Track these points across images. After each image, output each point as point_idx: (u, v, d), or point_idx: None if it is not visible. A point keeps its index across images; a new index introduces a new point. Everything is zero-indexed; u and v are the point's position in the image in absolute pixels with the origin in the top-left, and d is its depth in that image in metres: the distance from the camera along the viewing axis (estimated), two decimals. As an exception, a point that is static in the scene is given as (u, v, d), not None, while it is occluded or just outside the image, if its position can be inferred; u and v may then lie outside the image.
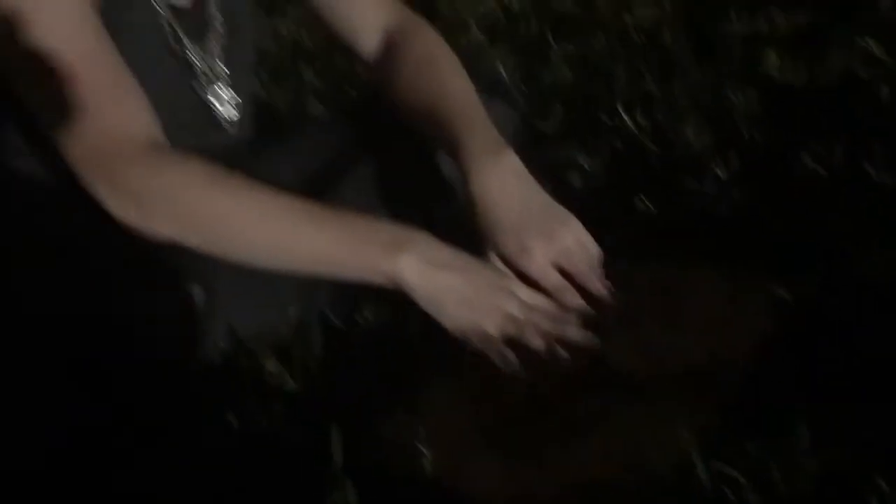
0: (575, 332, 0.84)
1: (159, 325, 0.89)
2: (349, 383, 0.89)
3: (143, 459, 0.80)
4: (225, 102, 1.09)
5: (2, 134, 1.00)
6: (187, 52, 1.05)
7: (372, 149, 1.11)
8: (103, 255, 0.91)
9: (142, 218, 0.86)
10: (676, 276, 0.95)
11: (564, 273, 0.89)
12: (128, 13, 0.99)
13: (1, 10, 0.88)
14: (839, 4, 1.66)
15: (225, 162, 1.09)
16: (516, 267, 0.89)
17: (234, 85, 1.10)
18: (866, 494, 0.59)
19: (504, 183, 0.90)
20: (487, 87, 1.17)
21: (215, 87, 1.08)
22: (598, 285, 0.89)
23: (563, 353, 0.82)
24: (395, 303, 0.97)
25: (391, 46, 1.10)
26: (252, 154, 1.17)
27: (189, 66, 1.05)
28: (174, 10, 1.04)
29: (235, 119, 1.10)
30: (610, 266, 0.99)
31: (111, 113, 0.88)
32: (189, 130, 1.06)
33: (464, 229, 0.92)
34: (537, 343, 0.82)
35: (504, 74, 1.70)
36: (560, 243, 0.88)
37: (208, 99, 1.08)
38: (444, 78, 1.03)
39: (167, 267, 0.89)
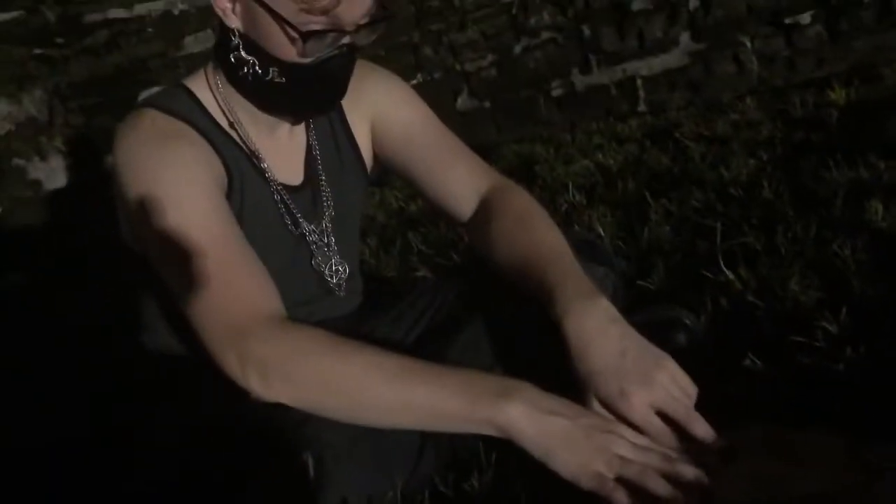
0: (686, 470, 0.84)
1: (274, 492, 0.92)
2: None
3: None
4: (335, 272, 1.17)
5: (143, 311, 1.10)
6: (301, 226, 1.14)
7: (477, 308, 1.14)
8: (230, 418, 0.96)
9: (265, 386, 0.92)
10: (793, 439, 0.92)
11: (664, 416, 0.89)
12: (248, 195, 1.10)
13: (144, 197, 1.00)
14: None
15: (339, 327, 1.16)
16: (616, 411, 0.90)
17: (343, 254, 1.19)
18: None
19: (599, 327, 0.92)
20: (586, 248, 1.21)
21: (326, 257, 1.17)
22: (698, 426, 0.89)
23: (675, 491, 0.82)
24: (501, 470, 0.98)
25: (487, 208, 1.16)
26: (362, 318, 1.24)
27: (303, 239, 1.15)
28: (287, 188, 1.15)
29: (344, 286, 1.19)
30: (721, 429, 0.97)
31: (239, 290, 0.97)
32: (304, 299, 1.14)
33: (567, 379, 0.93)
34: (652, 483, 0.82)
35: (603, 233, 1.74)
36: (658, 387, 0.89)
37: (321, 270, 1.17)
38: (536, 232, 1.08)
39: (283, 434, 0.93)
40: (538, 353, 1.07)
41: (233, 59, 1.05)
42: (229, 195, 1.08)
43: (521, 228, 1.09)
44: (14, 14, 2.64)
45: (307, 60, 1.01)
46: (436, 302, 1.23)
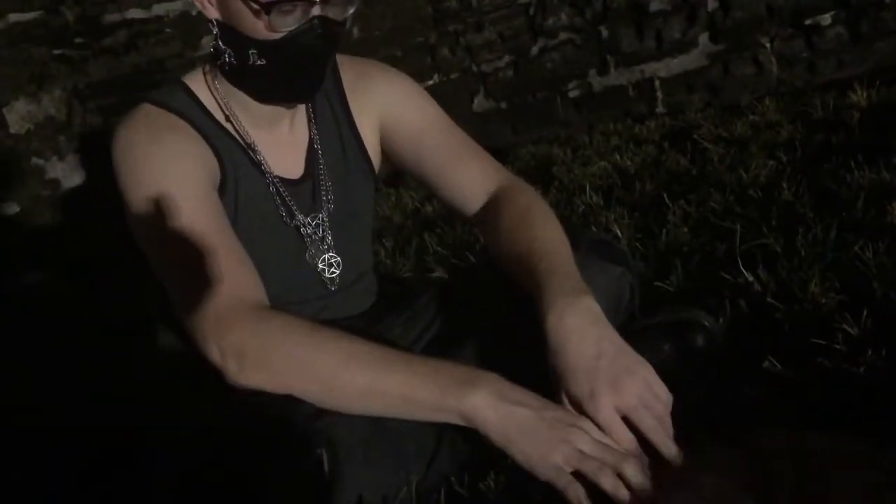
0: (635, 476, 0.85)
1: (287, 488, 0.92)
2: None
3: None
4: (329, 265, 1.17)
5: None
6: (296, 218, 1.15)
7: (491, 314, 1.14)
8: (243, 414, 0.97)
9: (241, 373, 0.94)
10: (812, 441, 0.90)
11: (631, 423, 0.89)
12: (243, 187, 1.12)
13: (134, 191, 1.03)
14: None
15: (352, 326, 1.16)
16: (584, 411, 0.90)
17: (340, 249, 1.19)
18: None
19: (578, 326, 0.92)
20: (603, 249, 1.21)
21: (320, 251, 1.18)
22: (657, 436, 0.89)
23: (626, 493, 0.83)
24: (517, 471, 0.97)
25: (492, 206, 1.16)
26: (376, 317, 1.24)
27: (297, 232, 1.16)
28: (285, 181, 1.15)
29: (338, 281, 1.19)
30: (740, 432, 0.96)
31: (221, 281, 0.98)
32: (302, 293, 1.15)
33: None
34: (606, 480, 0.84)
35: (620, 235, 1.72)
36: (627, 394, 0.89)
37: (314, 263, 1.17)
38: (535, 229, 1.08)
39: (297, 430, 0.93)
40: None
41: (212, 49, 1.09)
42: (223, 187, 1.10)
43: (521, 225, 1.09)
44: (33, 14, 2.65)
45: (278, 35, 1.02)
46: (451, 305, 1.22)
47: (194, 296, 0.98)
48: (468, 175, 1.19)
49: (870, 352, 1.04)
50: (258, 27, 1.02)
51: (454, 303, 1.22)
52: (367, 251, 1.30)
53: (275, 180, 1.15)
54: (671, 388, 1.06)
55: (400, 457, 0.96)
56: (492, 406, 0.88)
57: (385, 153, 1.25)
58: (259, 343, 0.95)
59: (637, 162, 2.34)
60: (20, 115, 2.67)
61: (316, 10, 1.02)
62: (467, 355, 1.11)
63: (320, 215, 1.18)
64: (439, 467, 0.98)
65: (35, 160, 2.70)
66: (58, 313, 2.19)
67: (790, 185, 1.75)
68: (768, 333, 1.21)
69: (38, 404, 1.66)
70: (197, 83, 1.14)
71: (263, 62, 1.05)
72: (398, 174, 2.60)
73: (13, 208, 2.68)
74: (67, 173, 2.74)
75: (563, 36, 3.08)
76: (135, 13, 2.78)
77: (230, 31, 1.06)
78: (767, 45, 2.92)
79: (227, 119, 1.13)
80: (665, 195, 1.91)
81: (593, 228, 1.82)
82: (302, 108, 1.19)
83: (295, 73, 1.07)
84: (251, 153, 1.14)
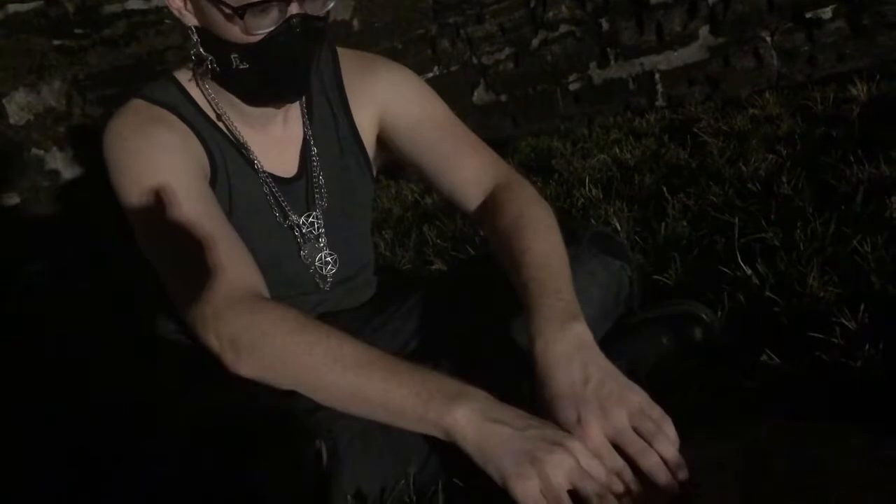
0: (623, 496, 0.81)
1: (284, 479, 0.92)
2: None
3: None
4: (324, 263, 1.17)
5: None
6: (290, 218, 1.15)
7: (481, 310, 1.14)
8: (243, 404, 0.97)
9: (236, 362, 0.95)
10: (810, 434, 0.91)
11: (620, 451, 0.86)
12: (236, 186, 1.12)
13: (124, 183, 1.03)
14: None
15: (351, 318, 1.16)
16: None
17: (335, 247, 1.19)
18: None
19: (565, 353, 0.90)
20: (603, 242, 1.21)
21: (315, 250, 1.17)
22: (652, 462, 0.84)
23: None
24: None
25: (490, 205, 1.15)
26: (375, 310, 1.24)
27: (291, 231, 1.16)
28: (278, 181, 1.15)
29: (332, 278, 1.19)
30: (737, 425, 0.96)
31: (221, 270, 0.98)
32: (292, 289, 1.15)
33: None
34: (595, 501, 0.80)
35: (619, 228, 1.73)
36: (615, 419, 0.86)
37: (308, 262, 1.17)
38: (527, 240, 1.05)
39: (295, 422, 0.94)
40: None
41: (193, 57, 1.08)
42: (214, 183, 1.10)
43: (513, 232, 1.07)
44: (33, 5, 2.65)
45: (257, 38, 1.01)
46: (450, 298, 1.22)
47: (192, 286, 0.98)
48: (467, 170, 1.18)
49: (867, 346, 1.04)
50: (235, 31, 1.01)
51: (453, 296, 1.22)
52: (365, 246, 1.29)
53: (268, 180, 1.14)
54: (668, 381, 1.07)
55: (398, 449, 0.96)
56: (473, 423, 0.85)
57: (384, 146, 1.24)
58: (252, 336, 0.95)
59: (637, 155, 2.34)
60: (20, 105, 2.67)
61: (293, 9, 1.00)
62: (465, 352, 1.11)
63: (315, 213, 1.17)
64: (437, 459, 0.98)
65: (35, 151, 2.70)
66: (55, 302, 2.20)
67: (789, 178, 1.75)
68: (766, 327, 1.21)
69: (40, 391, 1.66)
70: (188, 79, 1.14)
71: (246, 66, 1.04)
72: (398, 166, 2.60)
73: (13, 199, 2.69)
74: (67, 164, 2.74)
75: (563, 28, 3.08)
76: (134, 4, 2.78)
77: (210, 37, 1.04)
78: (768, 38, 2.92)
79: (219, 118, 1.13)
80: (664, 188, 1.91)
81: (592, 221, 1.82)
82: (296, 104, 1.18)
83: (279, 74, 1.06)
84: (244, 152, 1.13)
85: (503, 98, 3.14)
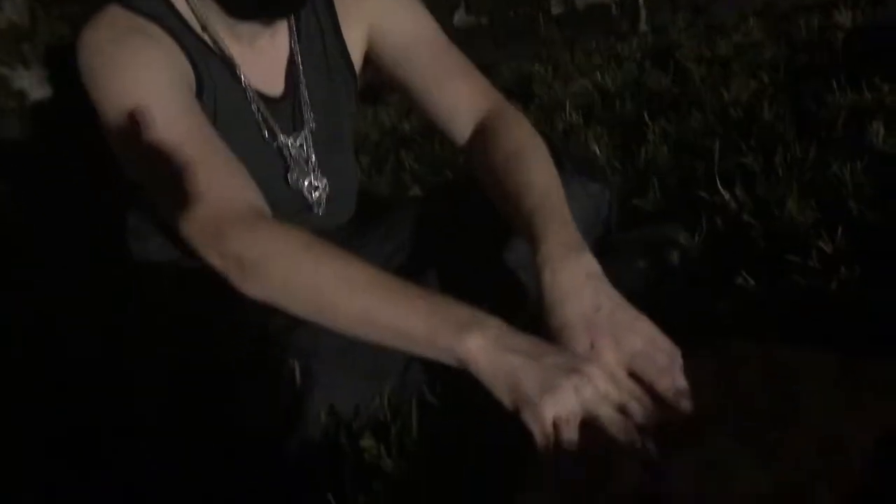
0: (640, 417, 0.81)
1: (259, 397, 0.92)
2: (445, 464, 0.89)
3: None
4: (314, 188, 1.14)
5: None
6: (278, 140, 1.11)
7: (462, 233, 1.12)
8: (212, 323, 0.96)
9: (242, 280, 0.90)
10: (784, 356, 0.91)
11: (635, 376, 0.85)
12: (222, 103, 1.06)
13: (105, 100, 0.97)
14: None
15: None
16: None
17: (324, 170, 1.15)
18: None
19: (575, 281, 0.89)
20: (582, 166, 1.19)
21: (304, 172, 1.14)
22: (668, 385, 0.84)
23: (632, 433, 0.79)
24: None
25: (483, 137, 1.12)
26: (352, 233, 1.22)
27: (280, 153, 1.11)
28: (265, 99, 1.10)
29: (324, 204, 1.15)
30: (712, 347, 0.97)
31: (219, 186, 0.94)
32: (279, 211, 1.11)
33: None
34: (613, 428, 0.79)
35: (599, 153, 1.71)
36: (629, 347, 0.86)
37: (298, 185, 1.13)
38: (528, 173, 1.03)
39: (270, 340, 0.93)
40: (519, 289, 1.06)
41: None
42: (199, 98, 1.04)
43: (513, 165, 1.05)
44: (-6, -85, 2.54)
45: None
46: (428, 222, 1.21)
47: (190, 204, 0.93)
48: (458, 96, 1.13)
49: (843, 269, 1.05)
50: None
51: (431, 220, 1.21)
52: (351, 170, 1.26)
53: (255, 97, 1.09)
54: (645, 306, 1.07)
55: (372, 367, 0.96)
56: (486, 352, 0.83)
57: (372, 65, 1.19)
58: (257, 255, 0.91)
59: (618, 81, 2.31)
60: (-19, 21, 2.58)
61: None
62: (442, 275, 1.11)
63: (303, 134, 1.13)
64: (412, 377, 0.98)
65: (0, 70, 2.62)
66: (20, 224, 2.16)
67: (771, 105, 1.73)
68: (743, 251, 1.21)
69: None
70: None
71: None
72: (375, 90, 2.55)
73: (-22, 120, 2.62)
74: (34, 84, 2.66)
75: (546, -50, 3.00)
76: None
77: None
78: (754, -38, 2.86)
79: (204, 29, 1.06)
80: (645, 114, 1.89)
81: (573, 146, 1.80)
82: (284, 21, 1.12)
83: None
84: (230, 66, 1.07)
85: (484, 21, 3.08)
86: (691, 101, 1.94)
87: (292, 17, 1.13)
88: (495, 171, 1.06)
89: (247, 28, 1.08)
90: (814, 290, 1.04)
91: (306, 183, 1.13)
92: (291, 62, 1.13)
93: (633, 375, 0.85)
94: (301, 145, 1.13)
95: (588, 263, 0.91)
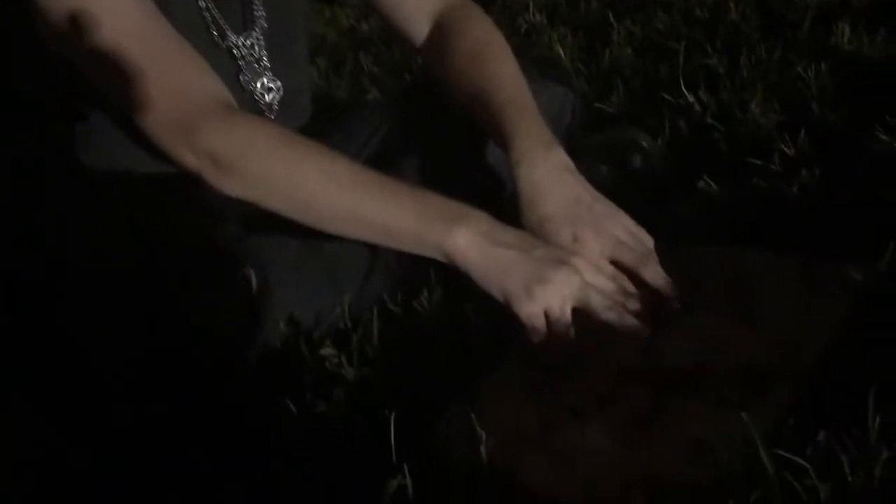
0: (635, 305, 0.83)
1: (214, 307, 0.90)
2: (407, 370, 0.88)
3: (200, 444, 0.81)
4: (267, 90, 1.09)
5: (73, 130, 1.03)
6: (228, 40, 1.05)
7: (424, 134, 1.10)
8: (158, 234, 0.93)
9: (217, 178, 0.88)
10: (744, 259, 0.92)
11: (618, 265, 0.87)
12: (166, 2, 1.00)
13: (63, 3, 0.90)
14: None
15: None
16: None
17: (277, 71, 1.10)
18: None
19: (552, 175, 0.90)
20: (545, 68, 1.16)
21: (257, 74, 1.08)
22: (653, 275, 0.87)
23: (631, 321, 0.81)
24: (451, 289, 0.97)
25: (442, 35, 1.08)
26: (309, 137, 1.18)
27: (230, 53, 1.06)
28: None
29: (276, 106, 1.11)
30: (673, 250, 0.97)
31: (181, 76, 0.90)
32: None
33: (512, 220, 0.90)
34: (608, 313, 0.82)
35: (563, 55, 1.68)
36: (611, 237, 0.87)
37: (250, 88, 1.08)
38: (493, 70, 1.01)
39: (223, 250, 0.90)
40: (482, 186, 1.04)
41: None
42: None
43: (476, 62, 1.02)
44: None
45: None
46: (386, 124, 1.17)
47: (156, 102, 0.88)
48: None
49: (804, 171, 1.04)
50: None
51: (390, 123, 1.18)
52: (305, 71, 1.21)
53: None
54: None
55: (332, 275, 0.94)
56: (475, 245, 0.83)
57: None
58: (233, 151, 0.87)
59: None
60: None
61: None
62: (404, 178, 1.08)
63: (254, 34, 1.07)
64: (373, 286, 0.97)
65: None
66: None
67: (737, 5, 1.70)
68: (707, 154, 1.20)
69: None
70: None
71: None
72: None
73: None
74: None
75: None
76: None
77: None
78: None
79: None
80: (610, 14, 1.85)
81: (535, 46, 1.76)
82: None
83: None
84: None
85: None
86: (657, 2, 1.90)
87: None
88: (458, 71, 1.03)
89: None
90: (775, 192, 1.04)
91: (259, 85, 1.08)
92: None
93: (616, 264, 0.87)
94: (252, 45, 1.07)
95: (562, 157, 0.92)
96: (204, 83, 0.92)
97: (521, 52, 1.16)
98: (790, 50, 1.43)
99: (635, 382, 0.77)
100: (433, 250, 0.85)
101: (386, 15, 1.13)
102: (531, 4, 2.08)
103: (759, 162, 1.10)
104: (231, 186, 0.88)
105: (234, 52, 1.06)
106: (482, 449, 0.71)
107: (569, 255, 0.84)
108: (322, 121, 1.22)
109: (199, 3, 1.02)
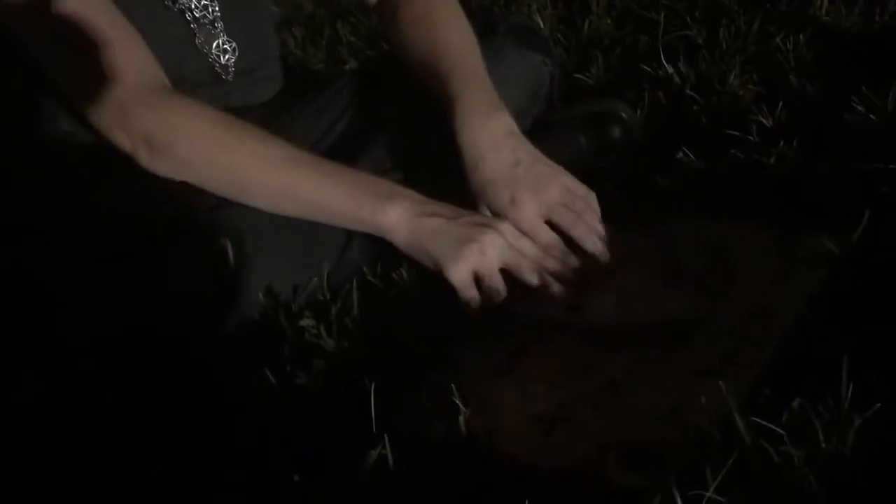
0: (554, 266, 0.88)
1: (191, 278, 0.89)
2: (386, 341, 0.89)
3: (177, 417, 0.81)
4: (223, 51, 1.08)
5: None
6: (180, 3, 1.04)
7: (395, 105, 1.09)
8: (133, 208, 0.92)
9: (152, 161, 0.90)
10: (721, 229, 0.92)
11: (555, 227, 0.91)
12: None
13: None
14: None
15: (256, 115, 1.09)
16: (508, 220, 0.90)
17: (233, 32, 1.09)
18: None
19: (494, 139, 0.92)
20: (523, 36, 1.15)
21: (212, 36, 1.07)
22: (583, 232, 0.90)
23: (549, 281, 0.86)
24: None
25: (392, 1, 1.08)
26: (284, 106, 1.17)
27: (182, 16, 1.05)
28: None
29: (232, 67, 1.10)
30: (652, 220, 0.97)
31: (116, 62, 0.90)
32: (188, 82, 1.05)
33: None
34: (527, 273, 0.86)
35: (542, 25, 1.66)
36: (548, 197, 0.90)
37: (208, 50, 1.07)
38: (439, 35, 1.02)
39: (199, 220, 0.90)
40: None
41: None
42: None
43: (421, 27, 1.03)
44: None
45: None
46: (363, 95, 1.16)
47: (93, 84, 0.90)
48: None
49: (782, 142, 1.05)
50: None
51: (366, 93, 1.16)
52: (267, 35, 1.19)
53: None
54: (586, 180, 1.06)
55: (310, 247, 0.94)
56: (405, 219, 0.88)
57: None
58: (168, 133, 0.90)
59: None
60: None
61: None
62: (378, 150, 1.08)
63: None
64: (351, 257, 0.97)
65: None
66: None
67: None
68: (685, 126, 1.20)
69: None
70: None
71: None
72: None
73: None
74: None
75: None
76: None
77: None
78: None
79: None
80: (590, -16, 1.83)
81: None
82: None
83: None
84: None
85: None
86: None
87: None
88: (407, 37, 1.05)
89: None
90: (753, 163, 1.04)
91: (214, 46, 1.07)
92: None
93: (553, 225, 0.91)
94: (206, 6, 1.05)
95: (506, 121, 0.94)
96: (141, 65, 0.93)
97: (496, 19, 1.16)
98: (769, 21, 1.43)
99: (614, 344, 0.78)
100: (367, 225, 0.90)
101: None
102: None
103: (737, 133, 1.11)
104: (165, 168, 0.91)
105: (188, 15, 1.05)
106: (461, 419, 0.71)
107: (494, 220, 0.89)
108: (297, 92, 1.21)
109: None
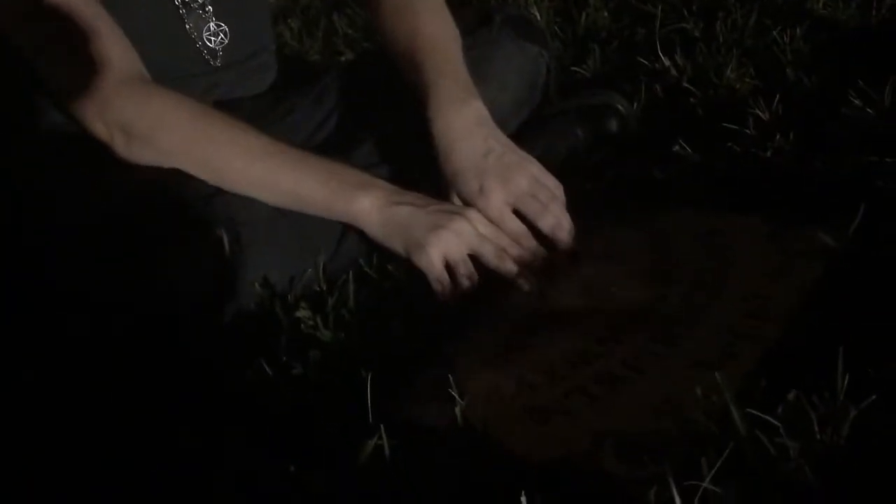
0: (519, 255, 0.89)
1: (187, 269, 0.89)
2: (382, 332, 0.88)
3: (173, 407, 0.81)
4: (217, 36, 1.08)
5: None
6: None
7: (390, 96, 1.09)
8: (127, 198, 0.92)
9: (127, 147, 0.92)
10: (717, 222, 0.92)
11: (523, 217, 0.92)
12: None
13: None
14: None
15: (252, 106, 1.08)
16: (476, 208, 0.92)
17: (223, 16, 1.09)
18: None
19: (465, 128, 0.93)
20: (519, 27, 1.15)
21: (202, 20, 1.07)
22: (549, 222, 0.91)
23: (512, 266, 0.88)
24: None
25: None
26: (280, 97, 1.16)
27: (173, 2, 1.05)
28: None
29: (222, 52, 1.09)
30: (648, 212, 0.97)
31: (95, 53, 0.91)
32: (177, 69, 1.05)
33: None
34: (491, 259, 0.88)
35: (539, 17, 1.66)
36: (516, 187, 0.91)
37: (198, 36, 1.07)
38: (415, 25, 1.02)
39: (193, 211, 0.90)
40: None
41: None
42: None
43: (404, 13, 1.04)
44: None
45: None
46: (357, 87, 1.16)
47: (72, 75, 0.92)
48: None
49: (778, 136, 1.05)
50: None
51: (361, 85, 1.16)
52: (260, 23, 1.19)
53: None
54: (581, 171, 1.06)
55: (306, 238, 0.94)
56: (377, 208, 0.90)
57: None
58: (146, 124, 0.91)
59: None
60: None
61: None
62: (371, 143, 1.07)
63: None
64: (347, 248, 0.97)
65: None
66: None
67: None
68: (682, 119, 1.20)
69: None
70: None
71: None
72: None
73: None
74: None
75: None
76: None
77: None
78: None
79: None
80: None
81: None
82: None
83: None
84: None
85: None
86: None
87: None
88: (386, 28, 1.05)
89: None
90: (749, 156, 1.04)
91: (204, 30, 1.06)
92: None
93: (520, 215, 0.92)
94: None
95: (478, 110, 0.95)
96: (120, 58, 0.93)
97: (494, 11, 1.15)
98: (766, 15, 1.44)
99: (612, 337, 0.78)
100: (340, 215, 0.92)
101: None
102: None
103: (733, 126, 1.10)
104: (143, 156, 0.92)
105: (176, 1, 1.04)
106: (457, 410, 0.71)
107: (462, 208, 0.91)
108: (291, 84, 1.21)
109: None
